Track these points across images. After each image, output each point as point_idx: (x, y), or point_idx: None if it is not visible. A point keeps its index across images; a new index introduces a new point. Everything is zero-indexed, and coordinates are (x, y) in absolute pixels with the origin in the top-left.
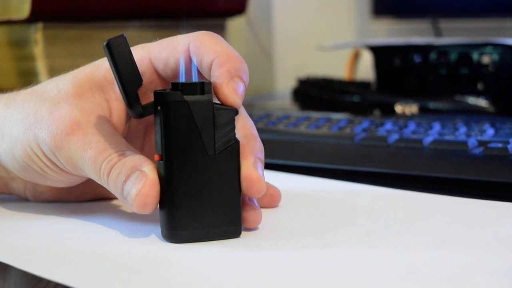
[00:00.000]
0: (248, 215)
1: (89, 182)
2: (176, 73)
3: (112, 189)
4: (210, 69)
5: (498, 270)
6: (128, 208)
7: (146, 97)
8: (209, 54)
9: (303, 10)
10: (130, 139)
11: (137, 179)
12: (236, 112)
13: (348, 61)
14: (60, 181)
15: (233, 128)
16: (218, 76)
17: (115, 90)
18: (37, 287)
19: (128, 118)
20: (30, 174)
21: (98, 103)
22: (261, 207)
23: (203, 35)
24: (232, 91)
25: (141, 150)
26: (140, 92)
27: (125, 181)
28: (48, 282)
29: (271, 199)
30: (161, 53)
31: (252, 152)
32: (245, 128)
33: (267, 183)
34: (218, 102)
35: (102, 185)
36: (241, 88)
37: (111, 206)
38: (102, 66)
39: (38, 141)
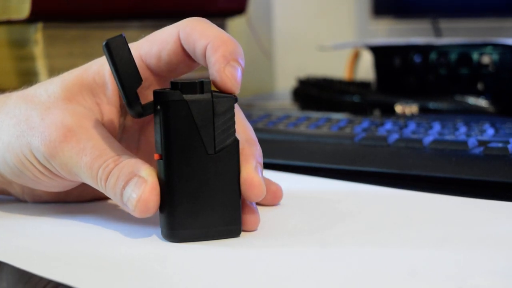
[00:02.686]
0: (247, 218)
1: (86, 184)
2: (170, 66)
3: (111, 195)
4: (204, 56)
5: (498, 270)
6: None
7: (141, 96)
8: (202, 40)
9: (303, 10)
10: (126, 139)
11: (136, 185)
12: (235, 99)
13: (348, 61)
14: (54, 186)
15: (233, 116)
16: (214, 63)
17: (106, 93)
18: (28, 284)
19: (121, 120)
20: (23, 180)
21: (89, 107)
22: (264, 204)
23: (192, 21)
24: (230, 77)
25: (137, 150)
26: None
27: (124, 187)
28: (40, 279)
29: (274, 196)
30: (151, 48)
31: (254, 156)
32: (245, 132)
33: (269, 180)
34: (216, 91)
35: (100, 190)
36: (238, 72)
37: (110, 206)
38: (91, 69)
39: (31, 148)
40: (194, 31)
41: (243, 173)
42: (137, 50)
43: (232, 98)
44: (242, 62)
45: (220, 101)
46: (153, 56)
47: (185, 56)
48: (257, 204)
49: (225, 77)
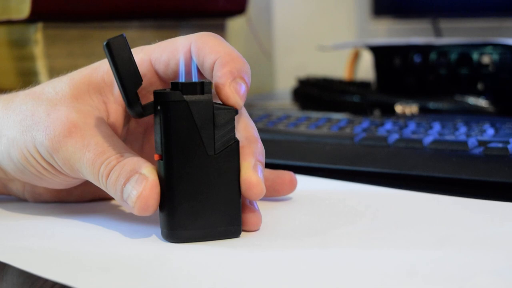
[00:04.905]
0: (248, 218)
1: (88, 184)
2: (177, 75)
3: (111, 191)
4: (212, 70)
5: (498, 270)
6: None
7: (146, 99)
8: (211, 55)
9: (303, 10)
10: (129, 141)
11: (137, 182)
12: (236, 112)
13: (348, 61)
14: (56, 183)
15: (233, 128)
16: (220, 77)
17: (113, 93)
18: (33, 286)
19: (126, 120)
20: (27, 176)
21: (95, 106)
22: (284, 195)
23: (205, 36)
24: (234, 92)
25: (141, 152)
26: (140, 94)
27: (124, 184)
28: (45, 281)
29: (291, 185)
30: (161, 55)
31: (253, 154)
32: (246, 130)
33: (282, 171)
34: (219, 102)
35: (100, 187)
36: (243, 89)
37: (111, 207)
38: (101, 68)
39: (35, 143)
40: (205, 46)
41: (241, 172)
42: (147, 54)
43: (233, 110)
44: (248, 81)
45: (220, 113)
46: (161, 63)
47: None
48: (275, 194)
49: (229, 92)
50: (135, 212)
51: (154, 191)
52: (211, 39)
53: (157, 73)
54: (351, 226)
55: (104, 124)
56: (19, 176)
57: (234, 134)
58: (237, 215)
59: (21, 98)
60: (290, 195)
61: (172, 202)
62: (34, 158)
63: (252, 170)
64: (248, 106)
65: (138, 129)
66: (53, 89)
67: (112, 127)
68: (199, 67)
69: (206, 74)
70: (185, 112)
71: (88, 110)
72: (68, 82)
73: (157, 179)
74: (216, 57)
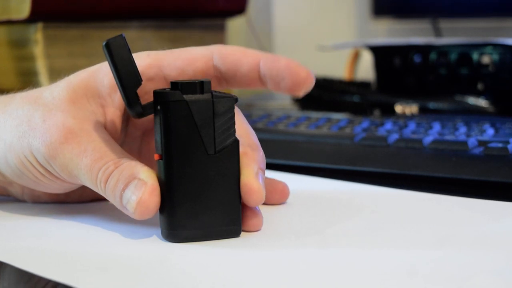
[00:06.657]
0: (249, 220)
1: (86, 186)
2: None
3: (110, 197)
4: (253, 70)
5: (498, 270)
6: None
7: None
8: (247, 58)
9: (303, 10)
10: (127, 144)
11: (136, 187)
12: (235, 99)
13: (348, 61)
14: (54, 187)
15: (233, 116)
16: (285, 65)
17: (111, 96)
18: (29, 283)
19: (124, 124)
20: (24, 181)
21: (92, 110)
22: (273, 203)
23: (227, 46)
24: (308, 71)
25: (139, 156)
26: (143, 98)
27: (123, 189)
28: (40, 278)
29: (282, 195)
30: (175, 62)
31: (256, 161)
32: (248, 137)
33: (275, 180)
34: (217, 91)
35: (99, 193)
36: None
37: (110, 207)
38: (98, 71)
39: (32, 149)
40: (236, 52)
41: (243, 177)
42: (157, 60)
43: (232, 98)
44: None
45: (220, 101)
46: (174, 69)
47: (213, 77)
48: (265, 204)
49: (300, 69)
50: (135, 217)
51: (154, 195)
52: (236, 47)
53: (165, 79)
54: (351, 226)
55: (101, 129)
56: (16, 180)
57: (234, 123)
58: (237, 215)
59: (18, 102)
60: (290, 195)
61: (172, 202)
62: (31, 164)
63: (254, 177)
64: (248, 106)
65: (136, 132)
66: (50, 93)
67: (110, 130)
68: (229, 72)
69: (243, 74)
70: (185, 111)
71: (85, 115)
72: (66, 86)
73: (156, 183)
74: (256, 58)
